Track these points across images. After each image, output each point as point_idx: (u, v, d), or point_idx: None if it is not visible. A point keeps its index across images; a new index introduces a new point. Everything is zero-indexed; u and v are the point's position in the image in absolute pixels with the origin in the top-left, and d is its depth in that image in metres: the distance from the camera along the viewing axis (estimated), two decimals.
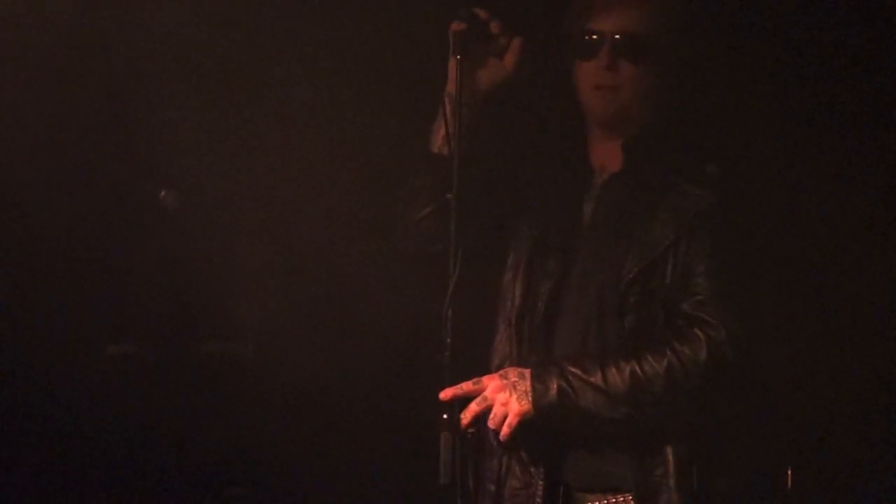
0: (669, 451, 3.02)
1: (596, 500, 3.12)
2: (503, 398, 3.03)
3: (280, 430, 4.33)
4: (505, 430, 3.01)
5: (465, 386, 3.04)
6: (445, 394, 3.01)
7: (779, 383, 3.40)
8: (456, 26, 3.09)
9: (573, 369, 2.98)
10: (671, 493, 3.02)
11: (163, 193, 4.18)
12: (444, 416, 3.00)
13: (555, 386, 2.98)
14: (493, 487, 3.19)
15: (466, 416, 3.02)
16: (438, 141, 3.20)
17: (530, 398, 3.00)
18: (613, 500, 3.10)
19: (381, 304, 4.16)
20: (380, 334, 4.16)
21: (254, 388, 4.41)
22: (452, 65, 3.11)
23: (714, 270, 3.01)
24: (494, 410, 3.03)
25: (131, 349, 4.47)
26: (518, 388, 3.01)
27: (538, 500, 3.12)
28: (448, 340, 3.02)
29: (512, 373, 3.04)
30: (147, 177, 4.23)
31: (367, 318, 4.20)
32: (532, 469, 3.12)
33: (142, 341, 4.48)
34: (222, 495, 4.34)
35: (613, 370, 2.97)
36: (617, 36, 3.11)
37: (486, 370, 3.18)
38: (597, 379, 2.97)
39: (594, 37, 3.13)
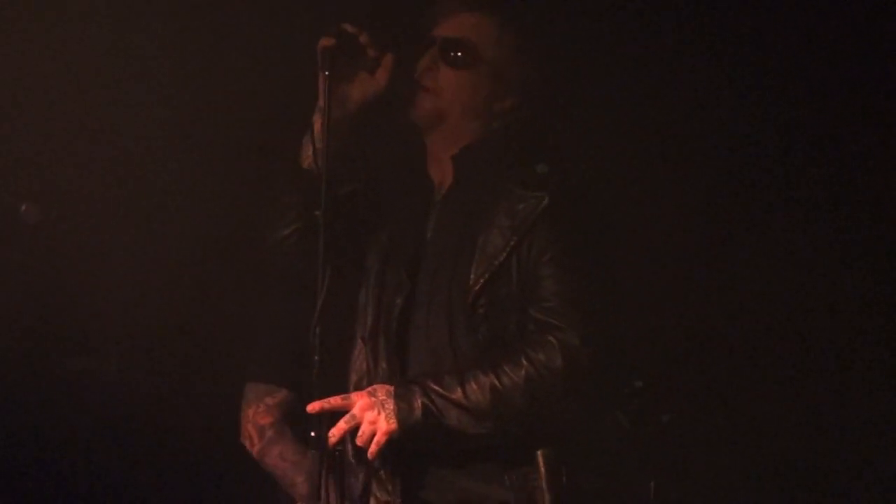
0: (540, 455, 2.95)
1: None
2: (371, 416, 2.91)
3: (142, 444, 4.25)
4: (373, 448, 2.90)
5: (333, 400, 2.92)
6: (313, 407, 2.89)
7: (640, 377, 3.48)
8: (324, 42, 2.98)
9: (435, 387, 2.89)
10: (544, 494, 2.95)
11: (24, 207, 3.88)
12: (312, 434, 2.89)
13: (419, 404, 2.89)
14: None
15: (335, 434, 2.89)
16: (308, 156, 3.06)
17: (396, 417, 2.90)
18: None
19: (246, 320, 4.01)
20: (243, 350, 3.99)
21: (116, 404, 4.31)
22: (321, 83, 2.99)
23: (559, 273, 2.94)
24: (362, 429, 2.91)
25: None
26: (386, 406, 2.91)
27: None
28: (316, 358, 2.88)
29: (381, 391, 2.93)
30: (7, 189, 4.00)
31: (231, 335, 4.09)
32: (390, 487, 3.02)
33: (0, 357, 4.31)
34: None
35: (473, 386, 2.88)
36: (443, 39, 3.07)
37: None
38: (458, 396, 2.88)
39: (426, 43, 3.09)
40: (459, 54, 3.07)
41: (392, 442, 2.89)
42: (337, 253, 2.97)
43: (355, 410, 2.92)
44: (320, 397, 2.91)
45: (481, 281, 2.95)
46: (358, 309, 3.14)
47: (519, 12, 3.18)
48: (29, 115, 4.02)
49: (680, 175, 4.06)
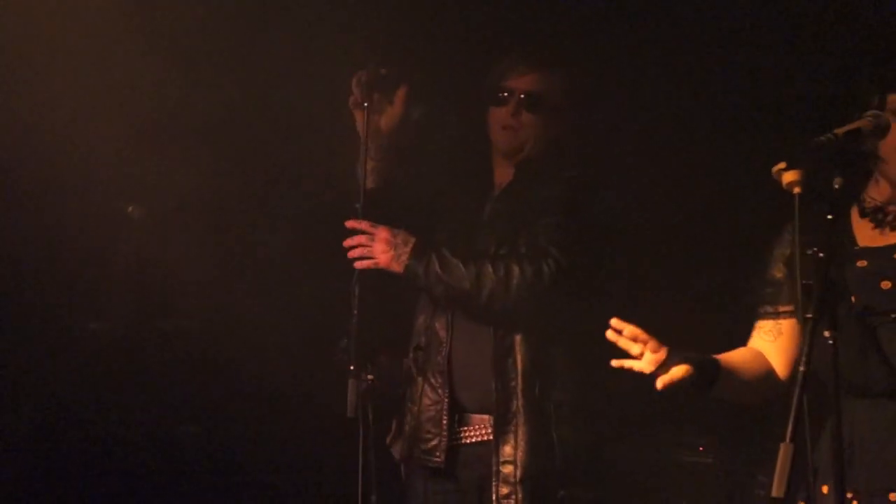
0: (519, 368, 3.18)
1: (484, 420, 3.24)
2: (382, 248, 3.19)
3: (218, 383, 4.42)
4: (363, 263, 3.18)
5: (365, 224, 3.21)
6: (350, 224, 3.21)
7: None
8: (358, 78, 3.25)
9: (445, 252, 3.19)
10: (518, 399, 3.17)
11: (131, 208, 4.23)
12: (351, 368, 3.14)
13: (424, 265, 3.16)
14: (415, 408, 3.32)
15: (350, 240, 3.20)
16: (365, 176, 3.31)
17: (403, 267, 3.17)
18: (488, 418, 3.22)
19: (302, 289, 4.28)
20: (299, 312, 4.27)
21: (198, 354, 4.51)
22: (358, 115, 3.28)
23: (554, 228, 3.20)
24: (369, 248, 3.19)
25: (106, 325, 4.56)
26: (398, 249, 3.19)
27: (445, 410, 3.24)
28: (355, 312, 3.17)
29: (401, 234, 3.21)
30: (119, 195, 4.28)
31: (290, 300, 4.33)
32: (440, 391, 3.26)
33: (114, 318, 4.56)
34: (177, 432, 4.48)
35: (472, 262, 3.17)
36: (522, 94, 3.33)
37: (388, 333, 3.37)
38: (455, 263, 3.17)
39: (506, 93, 3.34)
40: (535, 103, 3.34)
41: (385, 270, 3.18)
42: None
43: (377, 233, 3.19)
44: (357, 343, 3.16)
45: (500, 238, 3.26)
46: None
47: (571, 67, 3.46)
48: (138, 133, 4.09)
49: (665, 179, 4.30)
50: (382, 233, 3.22)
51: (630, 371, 2.70)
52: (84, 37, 3.95)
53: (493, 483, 3.17)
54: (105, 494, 4.33)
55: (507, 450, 3.17)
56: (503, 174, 3.41)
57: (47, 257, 4.33)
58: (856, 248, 2.79)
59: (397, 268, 3.19)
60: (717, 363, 2.79)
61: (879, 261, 2.74)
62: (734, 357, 2.87)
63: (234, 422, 4.49)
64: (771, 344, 2.89)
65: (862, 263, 2.75)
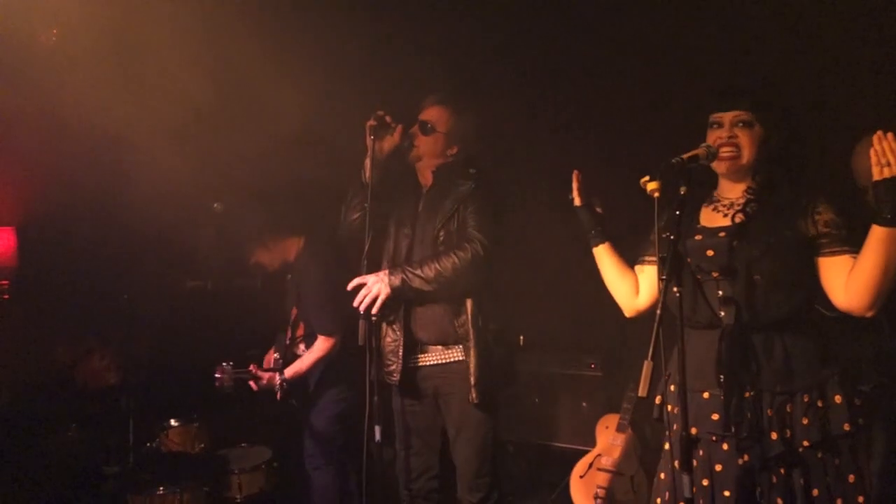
0: (469, 308, 3.42)
1: (437, 349, 3.46)
2: (377, 286, 3.43)
3: (276, 321, 4.52)
4: (378, 303, 3.44)
5: (358, 280, 3.47)
6: (350, 286, 3.47)
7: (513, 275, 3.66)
8: (370, 122, 3.55)
9: (409, 268, 3.44)
10: (469, 329, 3.40)
11: (216, 205, 4.44)
12: (361, 322, 3.42)
13: (399, 279, 3.43)
14: (381, 343, 3.52)
15: (360, 298, 3.46)
16: (364, 177, 3.54)
17: (389, 286, 3.41)
18: (447, 350, 3.43)
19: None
20: None
21: (260, 304, 4.78)
22: (369, 142, 3.54)
23: (476, 217, 3.40)
24: (372, 289, 3.42)
25: (200, 283, 4.98)
26: (383, 280, 3.44)
27: (401, 344, 3.48)
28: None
29: (382, 273, 3.48)
30: (207, 197, 4.48)
31: None
32: (397, 330, 3.50)
33: (205, 277, 4.99)
34: (247, 353, 4.53)
35: (426, 267, 3.38)
36: (420, 120, 3.56)
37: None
38: (420, 272, 3.39)
39: (417, 120, 3.61)
40: (426, 128, 3.58)
41: (388, 298, 3.41)
42: (373, 224, 3.47)
43: (368, 281, 3.46)
44: (366, 307, 3.41)
45: (441, 225, 3.46)
46: (385, 249, 3.59)
47: (460, 104, 3.60)
48: (217, 145, 4.21)
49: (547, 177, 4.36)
50: (371, 277, 3.46)
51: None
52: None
53: (465, 387, 3.38)
54: (195, 394, 4.51)
55: (468, 364, 3.42)
56: (425, 179, 3.65)
57: (160, 241, 4.56)
58: (697, 226, 2.98)
59: (390, 291, 3.40)
60: (610, 235, 3.10)
61: (709, 236, 2.93)
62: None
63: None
64: (640, 275, 3.11)
65: (698, 238, 2.95)
